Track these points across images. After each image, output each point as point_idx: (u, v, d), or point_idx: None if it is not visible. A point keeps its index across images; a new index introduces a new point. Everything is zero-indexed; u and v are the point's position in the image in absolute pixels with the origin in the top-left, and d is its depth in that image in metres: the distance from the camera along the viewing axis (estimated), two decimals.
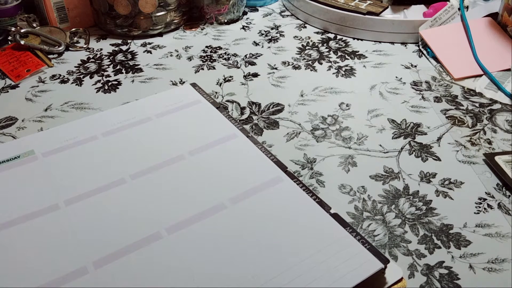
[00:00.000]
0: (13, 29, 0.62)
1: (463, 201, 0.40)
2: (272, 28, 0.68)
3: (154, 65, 0.59)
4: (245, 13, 0.72)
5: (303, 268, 0.29)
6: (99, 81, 0.56)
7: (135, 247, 0.31)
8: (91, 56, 0.61)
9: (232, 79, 0.56)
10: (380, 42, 0.64)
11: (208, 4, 0.68)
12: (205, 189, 0.36)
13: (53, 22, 0.65)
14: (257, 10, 0.74)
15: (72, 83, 0.56)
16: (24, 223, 0.32)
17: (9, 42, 0.63)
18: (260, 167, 0.38)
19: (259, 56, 0.61)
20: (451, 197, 0.40)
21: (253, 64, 0.59)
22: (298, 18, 0.70)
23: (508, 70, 0.57)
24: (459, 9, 0.64)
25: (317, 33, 0.66)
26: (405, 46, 0.63)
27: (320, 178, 0.42)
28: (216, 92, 0.53)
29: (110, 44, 0.64)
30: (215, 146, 0.40)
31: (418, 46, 0.62)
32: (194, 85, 0.51)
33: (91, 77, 0.57)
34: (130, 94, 0.53)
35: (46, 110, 0.51)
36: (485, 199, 0.40)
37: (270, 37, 0.65)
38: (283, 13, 0.72)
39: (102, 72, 0.58)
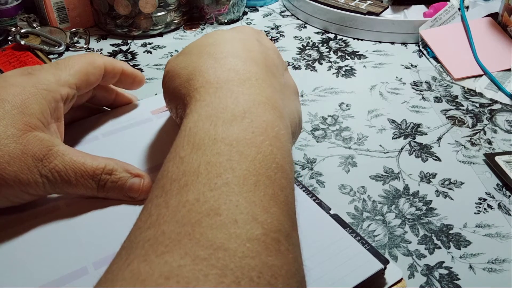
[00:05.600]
0: (13, 29, 0.62)
1: (463, 201, 0.40)
2: (272, 28, 0.68)
3: (154, 65, 0.59)
4: (245, 13, 0.72)
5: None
6: None
7: None
8: None
9: None
10: (380, 42, 0.64)
11: (208, 4, 0.68)
12: None
13: (53, 22, 0.65)
14: (257, 10, 0.74)
15: None
16: (24, 224, 0.32)
17: (10, 42, 0.63)
18: None
19: None
20: (451, 198, 0.40)
21: None
22: (298, 18, 0.70)
23: (508, 70, 0.57)
24: (459, 9, 0.64)
25: (317, 33, 0.66)
26: (405, 46, 0.63)
27: (320, 178, 0.42)
28: None
29: (110, 44, 0.64)
30: None
31: (418, 46, 0.62)
32: None
33: None
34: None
35: None
36: (485, 199, 0.40)
37: (270, 37, 0.65)
38: (283, 13, 0.72)
39: None
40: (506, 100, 0.52)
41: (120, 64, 0.39)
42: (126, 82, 0.41)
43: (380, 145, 0.46)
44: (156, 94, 0.52)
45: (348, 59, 0.60)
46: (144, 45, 0.64)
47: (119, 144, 0.40)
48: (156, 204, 0.23)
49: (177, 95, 0.32)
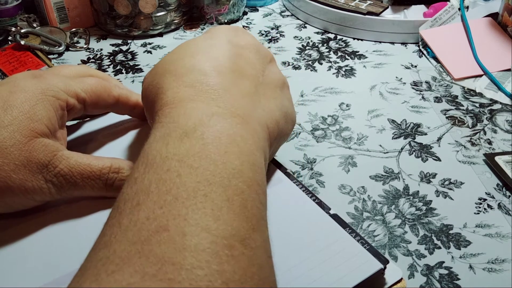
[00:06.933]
0: (13, 29, 0.62)
1: (463, 202, 0.40)
2: (272, 28, 0.68)
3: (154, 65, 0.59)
4: (245, 13, 0.72)
5: (302, 269, 0.29)
6: None
7: None
8: (91, 56, 0.62)
9: None
10: (380, 42, 0.64)
11: (208, 4, 0.68)
12: None
13: (53, 22, 0.65)
14: (257, 10, 0.74)
15: None
16: (24, 224, 0.32)
17: (9, 42, 0.63)
18: None
19: None
20: (451, 198, 0.40)
21: None
22: (298, 18, 0.70)
23: (508, 70, 0.57)
24: (459, 9, 0.64)
25: (317, 33, 0.66)
26: (405, 46, 0.63)
27: (320, 178, 0.42)
28: None
29: (110, 44, 0.64)
30: None
31: (418, 46, 0.62)
32: None
33: None
34: None
35: None
36: (485, 199, 0.40)
37: (270, 37, 0.65)
38: (283, 13, 0.72)
39: None
40: (506, 100, 0.52)
41: (135, 98, 0.39)
42: (140, 114, 0.41)
43: (380, 145, 0.46)
44: None
45: (348, 59, 0.60)
46: (144, 45, 0.64)
47: (119, 145, 0.40)
48: (110, 224, 0.23)
49: (149, 116, 0.32)
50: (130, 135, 0.41)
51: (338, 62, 0.59)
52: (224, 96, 0.29)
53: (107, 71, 0.58)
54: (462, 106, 0.51)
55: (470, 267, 0.34)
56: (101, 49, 0.63)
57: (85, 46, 0.64)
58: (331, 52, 0.62)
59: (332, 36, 0.65)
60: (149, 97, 0.32)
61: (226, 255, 0.21)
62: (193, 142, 0.26)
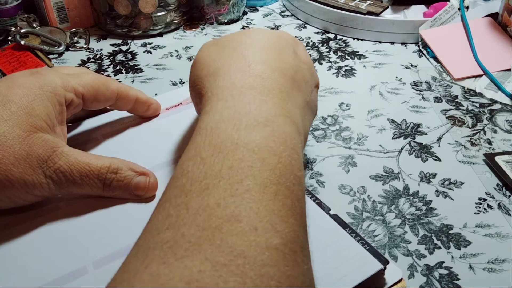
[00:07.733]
0: (13, 29, 0.62)
1: (463, 202, 0.40)
2: (272, 28, 0.68)
3: (154, 65, 0.59)
4: (245, 13, 0.72)
5: None
6: None
7: None
8: (91, 56, 0.62)
9: None
10: (380, 42, 0.64)
11: (208, 4, 0.68)
12: None
13: (53, 22, 0.65)
14: (257, 10, 0.74)
15: None
16: (24, 224, 0.32)
17: (9, 42, 0.63)
18: None
19: None
20: (451, 198, 0.40)
21: None
22: (298, 18, 0.70)
23: (508, 70, 0.57)
24: (459, 9, 0.64)
25: (317, 33, 0.66)
26: (405, 46, 0.63)
27: (320, 178, 0.42)
28: None
29: (110, 44, 0.64)
30: None
31: (418, 46, 0.62)
32: None
33: None
34: None
35: None
36: (485, 199, 0.40)
37: None
38: (283, 13, 0.72)
39: (102, 72, 0.58)
40: (506, 100, 0.52)
41: (134, 93, 0.39)
42: (141, 109, 0.41)
43: (380, 145, 0.46)
44: (156, 94, 0.52)
45: (348, 59, 0.60)
46: (144, 45, 0.64)
47: (118, 145, 0.40)
48: (175, 205, 0.23)
49: (200, 85, 0.32)
50: (130, 133, 0.41)
51: (338, 62, 0.59)
52: (286, 100, 0.30)
53: (107, 71, 0.58)
54: (462, 106, 0.51)
55: (470, 267, 0.35)
56: (101, 49, 0.63)
57: (85, 46, 0.64)
58: (331, 52, 0.62)
59: (332, 36, 0.65)
60: (210, 67, 0.32)
61: (292, 259, 0.21)
62: (264, 135, 0.26)
